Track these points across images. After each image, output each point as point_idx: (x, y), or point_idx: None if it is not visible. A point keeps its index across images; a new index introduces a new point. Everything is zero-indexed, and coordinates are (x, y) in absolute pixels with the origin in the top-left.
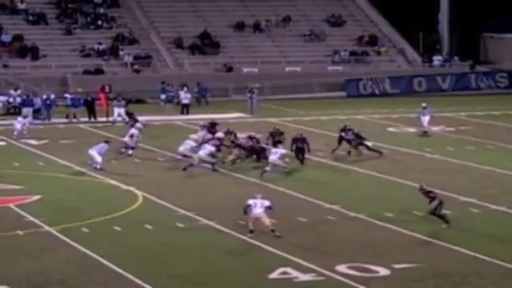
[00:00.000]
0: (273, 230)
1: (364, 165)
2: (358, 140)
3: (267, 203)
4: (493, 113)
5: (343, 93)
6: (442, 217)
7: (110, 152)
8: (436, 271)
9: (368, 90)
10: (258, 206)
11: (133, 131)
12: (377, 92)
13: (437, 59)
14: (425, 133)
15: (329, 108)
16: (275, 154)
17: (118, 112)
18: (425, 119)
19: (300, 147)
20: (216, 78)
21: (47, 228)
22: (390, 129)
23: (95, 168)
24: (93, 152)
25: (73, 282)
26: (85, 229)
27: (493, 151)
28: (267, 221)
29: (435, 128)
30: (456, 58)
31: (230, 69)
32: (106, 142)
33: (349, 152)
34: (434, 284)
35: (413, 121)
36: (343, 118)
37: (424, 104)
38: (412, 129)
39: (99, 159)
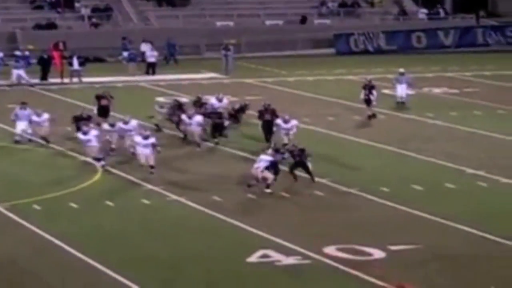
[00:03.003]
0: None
1: (358, 133)
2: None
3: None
4: (503, 72)
5: (332, 50)
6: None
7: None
8: (438, 253)
9: (360, 46)
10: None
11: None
12: (370, 48)
13: (422, 12)
14: (403, 104)
15: (315, 67)
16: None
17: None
18: (402, 87)
19: (268, 120)
20: (186, 34)
21: None
22: (386, 91)
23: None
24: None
25: (26, 264)
26: (37, 206)
27: (504, 116)
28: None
29: (436, 90)
30: (440, 10)
31: (303, 21)
32: (22, 104)
33: (372, 116)
34: (436, 268)
35: (414, 82)
36: (331, 79)
37: (401, 70)
38: (410, 91)
39: (18, 129)
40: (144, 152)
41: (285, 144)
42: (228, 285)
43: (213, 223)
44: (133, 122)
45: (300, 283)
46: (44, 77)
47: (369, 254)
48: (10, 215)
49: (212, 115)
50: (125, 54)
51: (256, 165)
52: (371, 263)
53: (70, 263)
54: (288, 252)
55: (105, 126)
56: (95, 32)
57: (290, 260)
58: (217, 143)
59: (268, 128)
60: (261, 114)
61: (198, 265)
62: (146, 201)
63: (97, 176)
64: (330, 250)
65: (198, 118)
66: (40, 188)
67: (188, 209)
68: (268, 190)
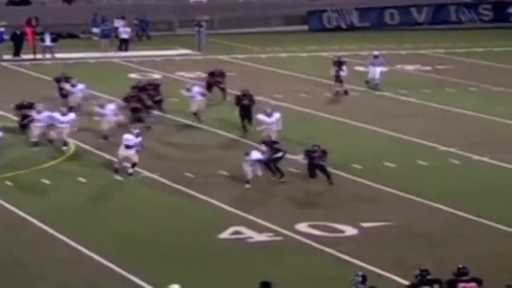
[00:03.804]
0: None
1: (331, 110)
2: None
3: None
4: (476, 50)
5: (305, 27)
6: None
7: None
8: (410, 230)
9: (333, 23)
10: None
11: None
12: (343, 25)
13: None
14: (376, 85)
15: (288, 44)
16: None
17: None
18: (376, 70)
19: (246, 104)
20: (159, 10)
21: None
22: (359, 68)
23: None
24: None
25: None
26: (8, 182)
27: (476, 93)
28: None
29: (409, 67)
30: None
31: None
32: None
33: (344, 92)
34: (408, 245)
35: (386, 58)
36: (304, 56)
37: (376, 53)
38: (383, 68)
39: None
40: (128, 151)
41: (274, 142)
42: (201, 261)
43: (186, 200)
44: (72, 115)
45: (272, 259)
46: (16, 53)
47: (341, 231)
48: None
49: (130, 99)
50: (95, 30)
51: (246, 159)
52: None
53: (43, 240)
54: (260, 229)
55: (33, 113)
56: (68, 8)
57: (262, 237)
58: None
59: (246, 114)
60: (238, 100)
61: (171, 242)
62: (118, 178)
63: (69, 153)
64: (302, 227)
65: (111, 106)
66: (12, 165)
67: (160, 186)
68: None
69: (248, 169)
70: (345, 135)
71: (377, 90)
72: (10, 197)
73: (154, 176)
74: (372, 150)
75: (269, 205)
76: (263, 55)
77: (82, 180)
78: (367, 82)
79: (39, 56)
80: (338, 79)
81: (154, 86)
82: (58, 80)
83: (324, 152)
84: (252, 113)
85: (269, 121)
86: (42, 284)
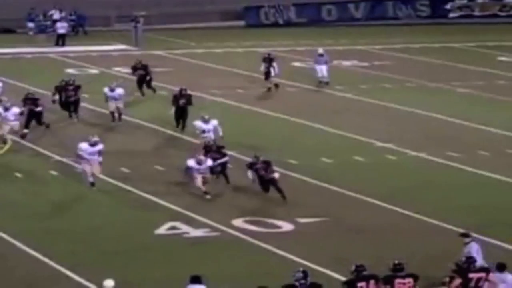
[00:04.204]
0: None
1: (267, 105)
2: None
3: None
4: (413, 46)
5: (242, 22)
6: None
7: None
8: (347, 227)
9: (270, 19)
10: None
11: None
12: (280, 21)
13: None
14: (326, 84)
15: (225, 39)
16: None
17: None
18: (322, 68)
19: (183, 105)
20: (96, 5)
21: None
22: (296, 63)
23: None
24: None
25: None
26: None
27: (413, 89)
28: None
29: (346, 63)
30: None
31: None
32: None
33: (275, 86)
34: (345, 241)
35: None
36: (240, 51)
37: (320, 51)
38: (327, 66)
39: None
40: (90, 160)
41: (207, 147)
42: (137, 256)
43: (122, 195)
44: (15, 109)
45: (208, 254)
46: None
47: (278, 227)
48: None
49: (27, 101)
50: (31, 24)
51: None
52: None
53: None
54: (196, 224)
55: None
56: (3, 2)
57: (199, 233)
58: (24, 135)
59: (182, 114)
60: (175, 99)
61: (107, 237)
62: (54, 173)
63: (6, 147)
64: (238, 222)
65: (16, 110)
66: None
67: (97, 181)
68: (207, 196)
69: (198, 179)
70: (282, 130)
71: (314, 82)
72: None
73: None
74: (308, 145)
75: (206, 201)
76: (199, 51)
77: (18, 175)
78: (320, 82)
79: None
80: (268, 75)
81: (74, 87)
82: None
83: (266, 163)
84: (188, 113)
85: (206, 128)
86: None
